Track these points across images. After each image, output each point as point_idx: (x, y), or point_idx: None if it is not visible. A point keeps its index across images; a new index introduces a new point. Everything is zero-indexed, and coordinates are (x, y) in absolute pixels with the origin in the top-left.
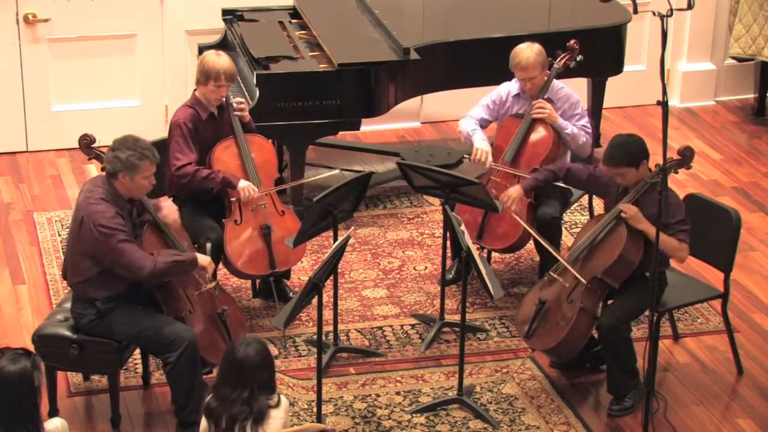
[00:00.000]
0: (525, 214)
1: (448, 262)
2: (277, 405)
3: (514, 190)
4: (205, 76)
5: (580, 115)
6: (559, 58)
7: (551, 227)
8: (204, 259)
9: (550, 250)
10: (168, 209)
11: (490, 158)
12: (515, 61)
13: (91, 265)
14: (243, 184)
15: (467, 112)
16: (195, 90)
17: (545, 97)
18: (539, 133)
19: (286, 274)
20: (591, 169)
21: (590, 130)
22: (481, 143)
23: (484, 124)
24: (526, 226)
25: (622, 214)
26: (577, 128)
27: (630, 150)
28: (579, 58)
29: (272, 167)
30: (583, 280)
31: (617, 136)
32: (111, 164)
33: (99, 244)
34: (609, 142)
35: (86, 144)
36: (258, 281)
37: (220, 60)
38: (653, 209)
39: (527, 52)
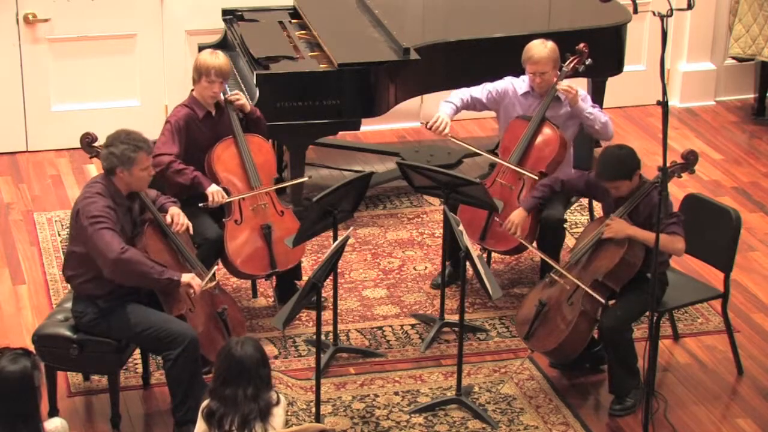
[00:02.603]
0: (529, 218)
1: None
2: (278, 403)
3: (516, 216)
4: (198, 73)
5: (591, 105)
6: (568, 62)
7: (556, 230)
8: (186, 276)
9: (554, 265)
10: (177, 217)
11: (447, 129)
12: (528, 55)
13: (90, 262)
14: (213, 188)
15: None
16: (192, 90)
17: (554, 95)
18: (546, 136)
19: (297, 275)
20: (587, 176)
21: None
22: (444, 114)
23: (475, 104)
24: (533, 249)
25: (605, 236)
26: (596, 110)
27: (621, 163)
28: (588, 61)
29: (271, 167)
30: (590, 290)
31: (607, 148)
32: (107, 161)
33: (84, 232)
34: (600, 155)
35: (88, 143)
36: (274, 285)
37: (213, 57)
38: (647, 212)
39: (540, 46)
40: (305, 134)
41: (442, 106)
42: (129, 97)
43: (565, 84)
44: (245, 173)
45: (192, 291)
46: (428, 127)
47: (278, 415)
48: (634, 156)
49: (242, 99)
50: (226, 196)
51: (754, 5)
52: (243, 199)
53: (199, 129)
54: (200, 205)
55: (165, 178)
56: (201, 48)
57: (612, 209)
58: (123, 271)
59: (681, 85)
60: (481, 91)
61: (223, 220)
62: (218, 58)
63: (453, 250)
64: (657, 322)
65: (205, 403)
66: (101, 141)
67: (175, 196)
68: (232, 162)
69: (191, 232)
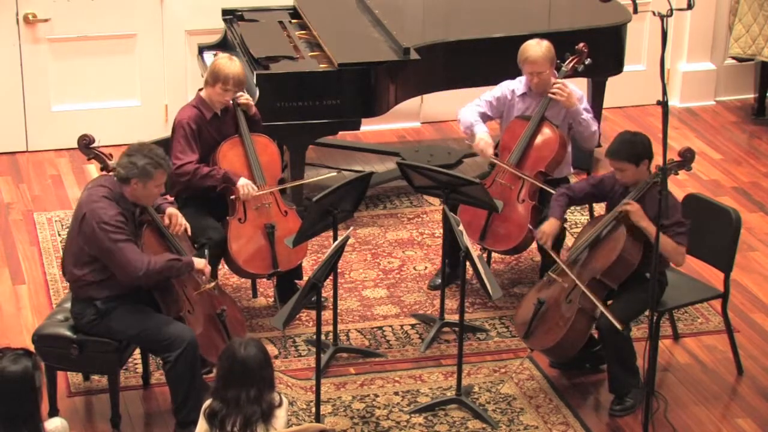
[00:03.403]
0: (529, 217)
1: None
2: (280, 404)
3: (549, 226)
4: (214, 78)
5: (586, 110)
6: (567, 61)
7: None
8: (200, 262)
9: (563, 266)
10: (174, 218)
11: (491, 150)
12: (524, 56)
13: (91, 264)
14: (243, 181)
15: (467, 104)
16: (200, 90)
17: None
18: (545, 136)
19: (298, 275)
20: (590, 179)
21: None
22: (484, 134)
23: (483, 119)
24: (560, 262)
25: (626, 207)
26: (589, 116)
27: (633, 147)
28: (587, 61)
29: (276, 167)
30: (586, 291)
31: (625, 131)
32: (126, 169)
33: (98, 241)
34: (616, 136)
35: (85, 144)
36: (274, 285)
37: (232, 65)
38: (653, 211)
39: (536, 47)
40: (305, 134)
41: (478, 128)
42: (129, 97)
43: (556, 87)
44: (250, 172)
45: (204, 277)
46: (472, 147)
47: (280, 416)
48: (646, 144)
49: (250, 101)
50: (256, 189)
51: (754, 5)
52: (244, 198)
53: (206, 129)
54: (232, 197)
55: (192, 186)
56: (201, 48)
57: (617, 204)
58: (150, 279)
59: (681, 85)
60: (482, 104)
61: (227, 218)
62: (236, 66)
63: (453, 250)
64: (657, 322)
65: (207, 403)
66: (100, 142)
67: (176, 196)
68: (238, 161)
69: (189, 233)
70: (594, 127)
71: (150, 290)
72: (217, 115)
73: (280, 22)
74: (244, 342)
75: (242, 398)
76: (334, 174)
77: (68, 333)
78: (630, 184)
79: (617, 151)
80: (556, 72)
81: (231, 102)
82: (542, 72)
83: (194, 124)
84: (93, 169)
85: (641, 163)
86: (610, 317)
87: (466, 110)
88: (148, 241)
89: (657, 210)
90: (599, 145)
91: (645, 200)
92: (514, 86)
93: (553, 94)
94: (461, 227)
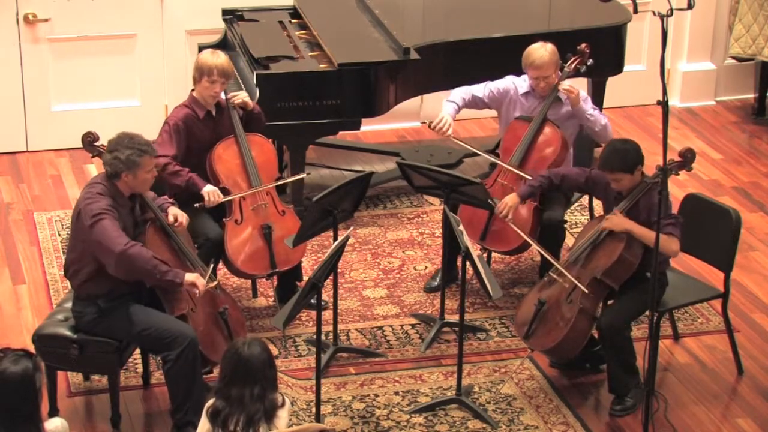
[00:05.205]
0: (531, 219)
1: None
2: (282, 405)
3: (510, 198)
4: (199, 73)
5: (591, 107)
6: (569, 62)
7: (557, 231)
8: (192, 276)
9: (550, 259)
10: (179, 216)
11: (450, 131)
12: (529, 61)
13: (92, 262)
14: (208, 188)
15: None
16: (192, 90)
17: (556, 96)
18: (548, 137)
19: (298, 276)
20: (587, 173)
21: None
22: (447, 114)
23: (476, 102)
24: (523, 235)
25: (605, 226)
26: (596, 112)
27: (625, 156)
28: (590, 62)
29: (272, 167)
30: (584, 288)
31: (612, 141)
32: (111, 166)
33: (87, 232)
34: (604, 147)
35: (89, 142)
36: (274, 285)
37: (214, 57)
38: (647, 212)
39: (541, 51)
40: (305, 134)
41: (444, 106)
42: (129, 97)
43: (566, 84)
44: (246, 173)
45: (196, 290)
46: (431, 127)
47: (282, 417)
48: (637, 151)
49: (242, 97)
50: (221, 196)
51: (754, 5)
52: (243, 198)
53: (199, 129)
54: (196, 205)
55: (161, 180)
56: (201, 48)
57: (612, 207)
58: (127, 265)
59: (681, 85)
60: (483, 89)
61: (224, 219)
62: (219, 58)
63: (452, 250)
64: (657, 322)
65: (210, 402)
66: (103, 140)
67: (174, 197)
68: (233, 161)
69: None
70: (603, 120)
71: (152, 288)
72: (211, 114)
73: (280, 22)
74: (248, 341)
75: (246, 397)
76: (304, 175)
77: (68, 333)
78: (625, 191)
79: (610, 163)
80: (559, 72)
81: (225, 100)
82: (548, 76)
83: (182, 122)
84: (94, 169)
85: (635, 170)
86: (584, 289)
87: (459, 89)
88: (151, 239)
89: (652, 210)
90: (598, 146)
91: (639, 201)
92: (518, 83)
93: (565, 91)
94: (461, 227)
